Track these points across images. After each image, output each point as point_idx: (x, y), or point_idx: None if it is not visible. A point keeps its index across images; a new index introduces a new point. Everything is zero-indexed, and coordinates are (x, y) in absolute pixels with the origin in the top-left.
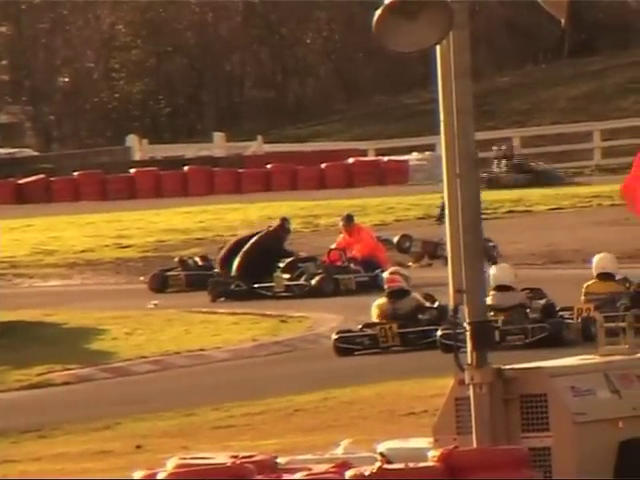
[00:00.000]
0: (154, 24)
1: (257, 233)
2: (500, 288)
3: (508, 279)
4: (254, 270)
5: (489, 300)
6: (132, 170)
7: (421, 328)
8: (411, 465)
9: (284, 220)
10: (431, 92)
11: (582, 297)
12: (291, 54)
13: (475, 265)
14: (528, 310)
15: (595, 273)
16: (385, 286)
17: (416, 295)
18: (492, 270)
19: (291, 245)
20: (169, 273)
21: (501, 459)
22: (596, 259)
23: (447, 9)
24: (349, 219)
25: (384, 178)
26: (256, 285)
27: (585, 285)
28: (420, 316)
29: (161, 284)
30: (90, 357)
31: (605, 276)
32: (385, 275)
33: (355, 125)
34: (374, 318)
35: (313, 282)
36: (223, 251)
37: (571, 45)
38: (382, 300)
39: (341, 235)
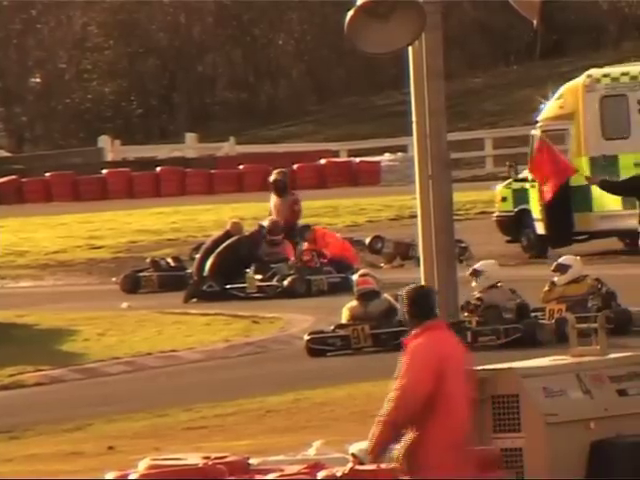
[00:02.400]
0: (126, 25)
1: (229, 234)
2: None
3: (496, 275)
4: (227, 271)
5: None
6: (104, 171)
7: (393, 329)
8: (383, 466)
9: (262, 227)
10: (403, 93)
11: (546, 298)
12: (263, 55)
13: (447, 266)
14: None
15: (569, 278)
16: (355, 288)
17: (387, 297)
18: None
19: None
20: (141, 274)
21: (473, 460)
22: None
23: (420, 11)
24: (304, 231)
25: (356, 179)
26: (228, 286)
27: (561, 289)
28: (396, 317)
29: (133, 285)
30: (62, 358)
31: (578, 278)
32: (355, 277)
33: (327, 126)
34: (344, 321)
35: (285, 283)
36: (200, 254)
37: (543, 46)
38: (353, 303)
39: (305, 244)
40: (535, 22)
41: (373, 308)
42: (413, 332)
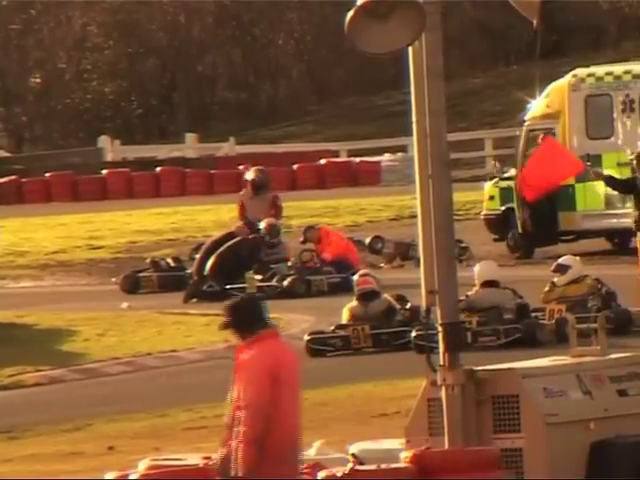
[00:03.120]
0: (126, 25)
1: (232, 236)
2: (487, 284)
3: (495, 274)
4: (227, 272)
5: (474, 296)
6: (104, 171)
7: (393, 329)
8: (383, 466)
9: (265, 234)
10: (403, 93)
11: (546, 298)
12: (263, 55)
13: (447, 266)
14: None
15: (572, 279)
16: (356, 288)
17: (387, 297)
18: (476, 267)
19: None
20: (141, 274)
21: (473, 460)
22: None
23: (420, 10)
24: (308, 231)
25: (356, 179)
26: (228, 286)
27: (561, 289)
28: (396, 317)
29: (133, 285)
30: (61, 358)
31: (578, 278)
32: (355, 277)
33: (327, 126)
34: (344, 321)
35: (285, 283)
36: (200, 254)
37: (543, 47)
38: (353, 303)
39: (311, 245)
40: (535, 22)
41: (373, 308)
42: (243, 343)
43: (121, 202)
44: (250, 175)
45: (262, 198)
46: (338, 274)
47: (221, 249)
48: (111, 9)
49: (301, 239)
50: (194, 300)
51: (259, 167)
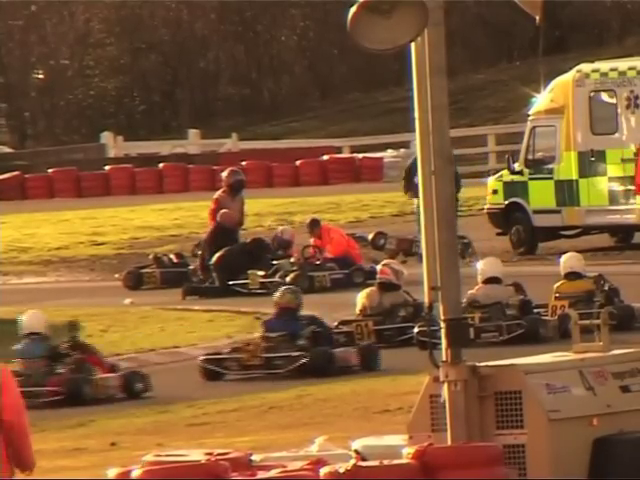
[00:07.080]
0: (129, 21)
1: (260, 241)
2: (490, 280)
3: (498, 271)
4: (232, 267)
5: (475, 292)
6: (107, 167)
7: (397, 325)
8: (386, 462)
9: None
10: (406, 89)
11: (553, 297)
12: (266, 51)
13: (450, 262)
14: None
15: (563, 273)
16: (377, 276)
17: (404, 293)
18: (479, 264)
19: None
20: (144, 270)
21: (475, 456)
22: (563, 259)
23: (422, 6)
24: (314, 225)
25: (359, 175)
26: (231, 282)
27: (555, 286)
28: (400, 313)
29: (136, 281)
30: None
31: (573, 276)
32: (379, 266)
33: (330, 122)
34: (359, 305)
35: (288, 279)
36: (224, 251)
37: (546, 43)
38: (373, 288)
39: (312, 240)
40: (538, 18)
41: (386, 299)
42: None
43: (124, 198)
44: (229, 176)
45: (238, 199)
46: (341, 270)
47: (233, 246)
48: (114, 5)
49: (307, 231)
50: (196, 297)
51: (235, 168)
